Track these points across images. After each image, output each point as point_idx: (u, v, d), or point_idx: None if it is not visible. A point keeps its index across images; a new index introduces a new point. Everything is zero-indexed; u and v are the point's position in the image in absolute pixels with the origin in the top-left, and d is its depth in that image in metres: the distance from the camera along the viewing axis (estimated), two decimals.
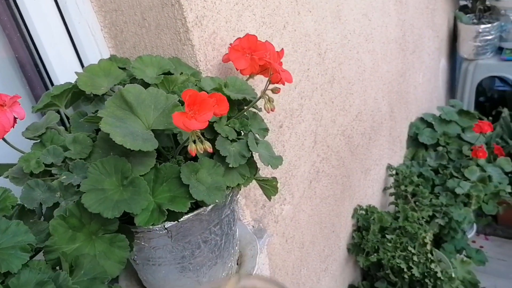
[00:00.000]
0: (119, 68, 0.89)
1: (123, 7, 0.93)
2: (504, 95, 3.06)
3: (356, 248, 1.79)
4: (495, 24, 2.86)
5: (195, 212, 0.74)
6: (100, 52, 0.98)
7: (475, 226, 2.57)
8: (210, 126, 0.75)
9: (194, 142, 0.66)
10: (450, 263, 1.70)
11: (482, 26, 2.83)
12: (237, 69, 0.88)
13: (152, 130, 0.70)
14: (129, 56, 0.98)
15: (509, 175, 2.27)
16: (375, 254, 1.67)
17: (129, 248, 0.70)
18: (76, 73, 0.85)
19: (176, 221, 0.73)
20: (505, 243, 2.55)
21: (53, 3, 0.92)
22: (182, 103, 0.71)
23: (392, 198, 2.14)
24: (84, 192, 0.66)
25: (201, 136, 0.67)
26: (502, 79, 2.99)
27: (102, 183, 0.68)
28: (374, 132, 1.99)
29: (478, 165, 2.13)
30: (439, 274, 1.49)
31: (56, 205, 0.72)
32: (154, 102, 0.71)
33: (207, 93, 0.71)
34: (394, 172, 2.14)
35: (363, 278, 1.98)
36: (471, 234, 2.53)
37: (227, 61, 0.94)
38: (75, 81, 0.84)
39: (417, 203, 1.96)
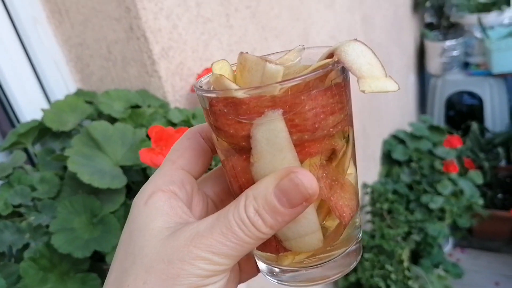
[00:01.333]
0: (86, 102, 0.88)
1: (88, 41, 0.93)
2: (472, 108, 3.13)
3: None
4: (460, 40, 2.94)
5: None
6: (67, 86, 0.97)
7: (450, 239, 2.60)
8: None
9: None
10: (427, 279, 1.72)
11: (447, 42, 2.91)
12: None
13: (121, 166, 0.70)
14: (97, 89, 0.98)
15: (481, 187, 2.32)
16: (354, 274, 1.67)
17: (101, 286, 0.69)
18: (42, 110, 0.84)
19: None
20: (481, 255, 2.58)
21: (16, 38, 0.91)
22: (150, 137, 0.70)
23: (368, 216, 2.16)
24: (54, 233, 0.65)
25: None
26: (470, 93, 3.07)
27: (71, 222, 0.67)
28: None
29: (450, 179, 2.17)
30: None
31: (26, 246, 0.71)
32: (121, 137, 0.71)
33: (176, 125, 0.71)
34: (369, 190, 2.16)
35: None
36: (447, 248, 2.56)
37: (195, 91, 0.94)
38: (42, 118, 0.83)
39: (393, 220, 1.97)
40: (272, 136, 0.29)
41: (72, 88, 0.99)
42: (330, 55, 0.31)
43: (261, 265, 0.38)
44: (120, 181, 0.66)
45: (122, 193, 0.68)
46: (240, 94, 0.28)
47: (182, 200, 0.35)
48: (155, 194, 0.33)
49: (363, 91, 0.28)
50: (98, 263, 0.70)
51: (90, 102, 0.89)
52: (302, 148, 0.30)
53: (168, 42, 0.90)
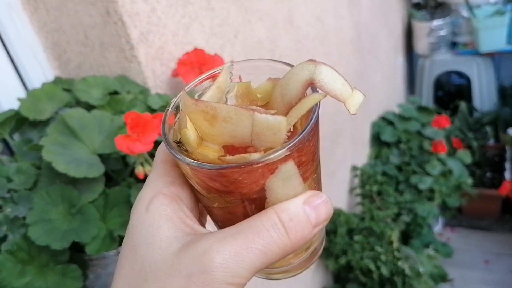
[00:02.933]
0: (64, 90, 0.86)
1: (64, 27, 0.91)
2: (461, 88, 3.14)
3: (325, 252, 1.80)
4: (447, 19, 2.93)
5: None
6: (45, 74, 0.95)
7: (441, 219, 2.61)
8: None
9: (142, 164, 0.64)
10: (418, 259, 1.73)
11: (435, 22, 2.90)
12: (186, 84, 0.87)
13: (99, 155, 0.68)
14: (75, 76, 0.95)
15: (469, 167, 2.33)
16: (344, 257, 1.67)
17: (83, 277, 0.67)
18: (19, 99, 0.82)
19: None
20: (471, 234, 2.61)
21: None
22: None
23: (358, 199, 2.16)
24: (30, 224, 0.64)
25: (148, 157, 0.65)
26: (458, 73, 3.07)
27: (48, 213, 0.65)
28: (337, 134, 2.00)
29: (438, 159, 2.17)
30: (406, 271, 1.50)
31: (3, 239, 0.69)
32: (98, 125, 0.69)
33: (156, 111, 0.70)
34: (358, 172, 2.16)
35: (335, 280, 1.99)
36: (437, 228, 2.58)
37: (176, 75, 0.92)
38: (18, 107, 0.81)
39: (382, 201, 1.98)
40: (286, 181, 0.31)
41: (50, 75, 0.97)
42: (305, 84, 0.31)
43: None
44: (97, 170, 0.64)
45: (100, 182, 0.67)
46: (258, 159, 0.28)
47: (184, 201, 0.33)
48: (155, 199, 0.31)
49: (355, 114, 0.31)
50: (78, 254, 0.69)
51: (68, 90, 0.87)
52: (304, 176, 0.32)
53: (146, 26, 0.88)
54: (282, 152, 0.29)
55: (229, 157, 0.29)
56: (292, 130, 0.31)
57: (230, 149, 0.31)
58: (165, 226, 0.30)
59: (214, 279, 0.27)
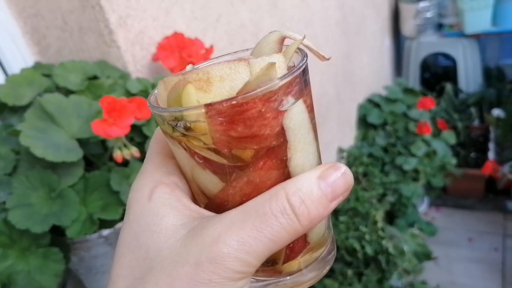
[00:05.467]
0: (44, 75, 0.86)
1: (43, 11, 0.90)
2: (447, 70, 3.15)
3: None
4: (433, 1, 2.93)
5: None
6: (24, 59, 0.95)
7: (426, 199, 2.65)
8: (139, 129, 0.74)
9: (120, 148, 0.65)
10: (402, 238, 1.76)
11: (421, 4, 2.90)
12: (166, 68, 0.87)
13: (78, 139, 0.69)
14: (55, 61, 0.95)
15: (454, 147, 2.36)
16: None
17: (64, 260, 0.68)
18: None
19: (112, 228, 0.72)
20: (455, 212, 2.65)
21: None
22: None
23: None
24: (10, 209, 0.64)
25: (126, 141, 0.65)
26: (445, 54, 3.09)
27: (28, 197, 0.66)
28: (322, 116, 2.01)
29: (423, 140, 2.20)
30: (390, 250, 1.53)
31: None
32: (76, 110, 0.69)
33: (134, 95, 0.70)
34: (345, 154, 2.18)
35: None
36: (423, 207, 2.62)
37: (157, 60, 0.92)
38: None
39: (368, 182, 2.00)
40: (300, 120, 0.29)
41: (30, 61, 0.96)
42: (280, 41, 0.32)
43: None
44: (76, 154, 0.65)
45: (80, 166, 0.68)
46: (278, 84, 0.27)
47: (184, 191, 0.32)
48: (157, 188, 0.30)
49: (329, 58, 0.32)
50: (60, 238, 0.70)
51: (48, 75, 0.87)
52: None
53: (125, 10, 0.88)
54: (296, 70, 0.28)
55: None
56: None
57: None
58: (171, 214, 0.29)
59: (222, 268, 0.26)
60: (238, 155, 0.29)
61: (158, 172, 0.32)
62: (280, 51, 0.32)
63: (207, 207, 0.32)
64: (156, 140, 0.34)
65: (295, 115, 0.29)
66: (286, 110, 0.28)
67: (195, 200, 0.33)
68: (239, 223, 0.28)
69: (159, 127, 0.34)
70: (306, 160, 0.31)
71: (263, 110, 0.27)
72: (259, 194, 0.30)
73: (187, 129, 0.28)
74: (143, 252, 0.28)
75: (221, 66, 0.28)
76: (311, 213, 0.28)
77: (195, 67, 0.34)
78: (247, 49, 0.35)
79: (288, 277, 0.35)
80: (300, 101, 0.29)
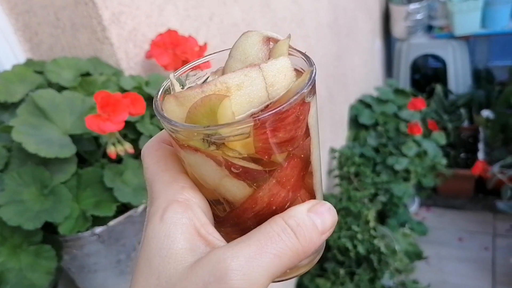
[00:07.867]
0: (36, 72, 0.85)
1: (35, 7, 0.89)
2: (437, 71, 3.18)
3: None
4: (423, 3, 2.95)
5: (125, 215, 0.73)
6: (16, 56, 0.94)
7: (416, 199, 2.67)
8: (133, 125, 0.74)
9: (114, 144, 0.65)
10: (393, 238, 1.77)
11: (412, 6, 2.92)
12: (160, 65, 0.87)
13: (71, 135, 0.68)
14: (47, 58, 0.94)
15: (444, 148, 2.37)
16: None
17: (57, 258, 0.68)
18: None
19: (105, 226, 0.71)
20: (445, 212, 2.67)
21: None
22: None
23: (337, 180, 2.19)
24: (2, 205, 0.64)
25: (120, 137, 0.65)
26: (435, 56, 3.11)
27: (20, 194, 0.65)
28: None
29: (414, 141, 2.21)
30: (382, 249, 1.54)
31: None
32: (69, 106, 0.69)
33: (127, 92, 0.70)
34: (337, 154, 2.19)
35: None
36: (413, 207, 2.63)
37: (150, 57, 0.92)
38: None
39: (360, 182, 2.01)
40: (316, 116, 0.32)
41: (22, 58, 0.95)
42: (265, 41, 0.33)
43: None
44: (69, 150, 0.64)
45: (72, 162, 0.67)
46: (309, 88, 0.29)
47: (199, 204, 0.32)
48: (170, 207, 0.30)
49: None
50: (52, 236, 0.69)
51: (40, 72, 0.86)
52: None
53: (118, 7, 0.87)
54: (314, 72, 0.31)
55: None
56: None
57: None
58: (181, 237, 0.30)
59: (231, 286, 0.27)
60: (274, 159, 0.30)
61: (170, 190, 0.32)
62: (268, 52, 0.32)
63: (230, 214, 0.33)
64: (154, 160, 0.34)
65: (313, 112, 0.31)
66: (309, 109, 0.30)
67: (209, 212, 0.33)
68: (245, 242, 0.29)
69: (147, 147, 0.34)
70: (319, 152, 0.34)
71: (298, 113, 0.29)
72: (285, 192, 0.32)
73: (226, 142, 0.28)
74: (154, 279, 0.29)
75: (235, 74, 0.29)
76: (307, 236, 0.31)
77: (190, 65, 0.35)
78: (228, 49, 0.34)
79: None
80: (315, 100, 0.31)
